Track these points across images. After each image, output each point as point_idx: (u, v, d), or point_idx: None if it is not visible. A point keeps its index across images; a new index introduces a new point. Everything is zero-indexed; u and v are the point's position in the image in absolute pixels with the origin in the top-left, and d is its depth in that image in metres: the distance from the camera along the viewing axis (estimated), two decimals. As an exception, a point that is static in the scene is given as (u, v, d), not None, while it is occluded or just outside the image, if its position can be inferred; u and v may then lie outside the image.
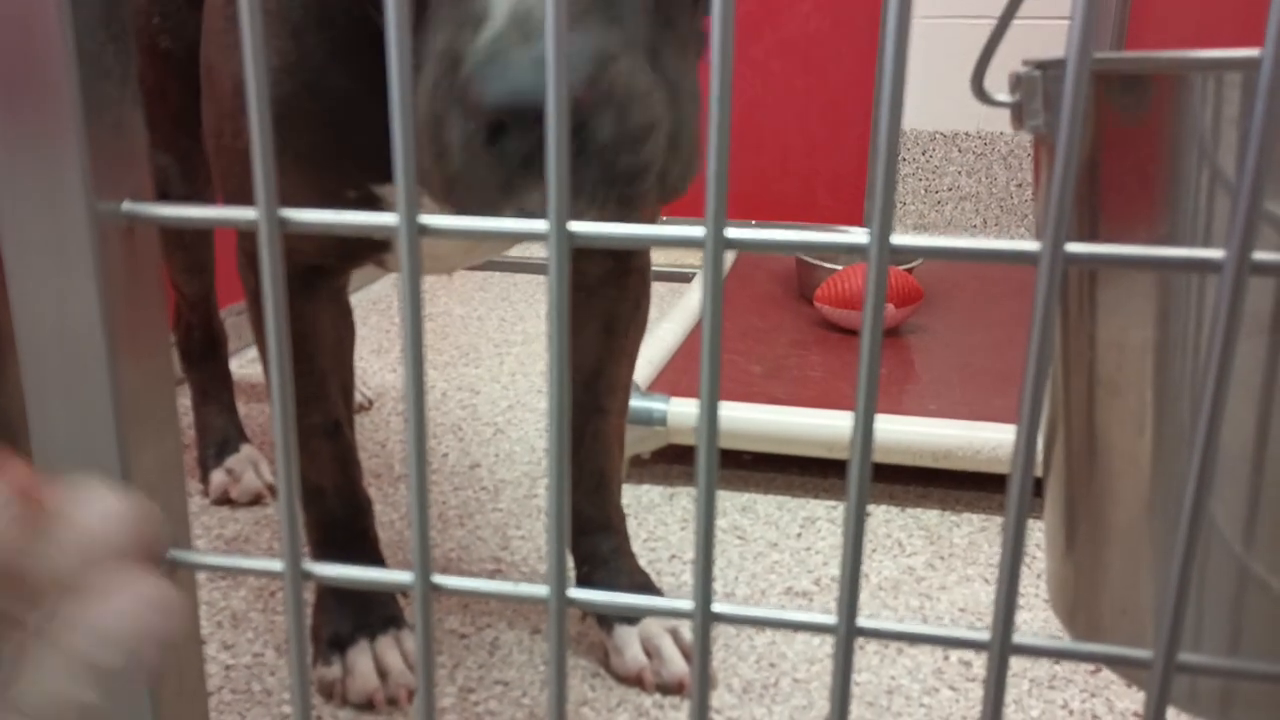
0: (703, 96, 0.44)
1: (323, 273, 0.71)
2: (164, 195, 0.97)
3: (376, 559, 0.80)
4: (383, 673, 0.75)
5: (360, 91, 0.58)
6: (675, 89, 0.40)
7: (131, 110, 0.30)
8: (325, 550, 0.78)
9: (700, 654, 0.29)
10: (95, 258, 0.29)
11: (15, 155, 0.28)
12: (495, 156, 0.36)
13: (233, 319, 1.38)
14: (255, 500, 1.06)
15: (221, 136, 0.65)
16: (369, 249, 0.68)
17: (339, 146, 0.61)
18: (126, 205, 0.30)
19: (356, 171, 0.61)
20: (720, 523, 1.03)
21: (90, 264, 0.29)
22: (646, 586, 0.83)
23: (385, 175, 0.61)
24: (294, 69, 0.59)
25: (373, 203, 0.63)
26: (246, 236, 0.69)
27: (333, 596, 0.79)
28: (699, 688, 0.30)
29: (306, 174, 0.61)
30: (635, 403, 1.09)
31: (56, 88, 0.28)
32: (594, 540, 0.83)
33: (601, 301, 0.78)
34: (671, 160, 0.39)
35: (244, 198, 0.65)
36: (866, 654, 0.82)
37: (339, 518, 0.78)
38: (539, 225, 0.26)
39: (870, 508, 1.08)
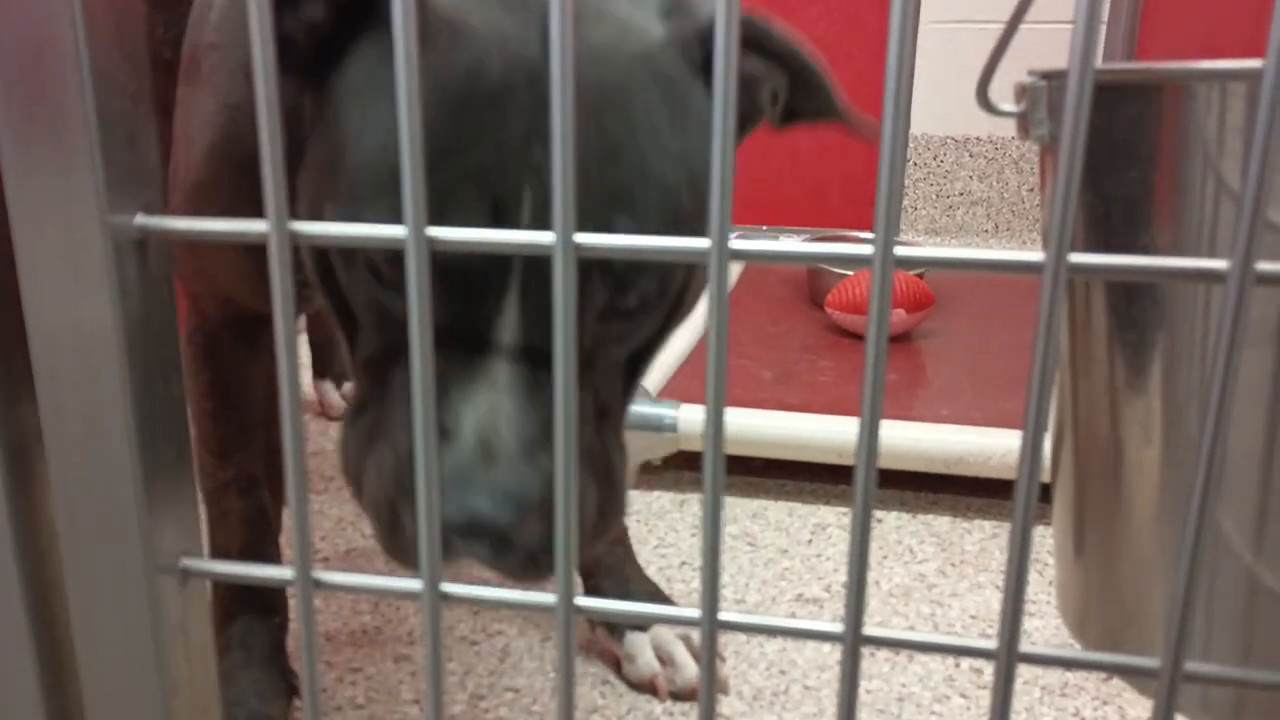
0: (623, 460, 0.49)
1: (263, 324, 0.68)
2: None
3: (280, 641, 0.72)
4: None
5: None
6: (590, 459, 0.45)
7: (145, 125, 0.31)
8: (230, 622, 0.70)
9: (707, 662, 0.29)
10: (109, 271, 0.29)
11: (30, 170, 0.29)
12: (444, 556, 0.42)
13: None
14: (268, 507, 1.07)
15: (178, 173, 0.65)
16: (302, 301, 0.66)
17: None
18: (139, 219, 0.30)
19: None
20: (730, 529, 1.03)
21: (104, 277, 0.29)
22: (655, 595, 0.83)
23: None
24: (247, 119, 0.59)
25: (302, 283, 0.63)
26: (201, 278, 0.66)
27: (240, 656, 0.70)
28: (706, 696, 0.30)
29: (247, 251, 0.61)
30: (646, 409, 1.09)
31: (71, 103, 0.28)
32: (598, 553, 0.83)
33: None
34: (586, 535, 0.47)
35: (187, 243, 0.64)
36: (877, 661, 0.82)
37: (243, 586, 0.71)
38: (545, 238, 0.26)
39: (881, 514, 1.08)
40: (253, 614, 0.71)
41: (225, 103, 0.60)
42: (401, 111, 0.26)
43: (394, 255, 0.42)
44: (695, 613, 0.29)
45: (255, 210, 0.59)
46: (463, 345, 0.42)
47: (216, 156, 0.60)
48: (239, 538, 0.70)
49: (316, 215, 0.45)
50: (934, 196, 2.39)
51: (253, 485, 0.70)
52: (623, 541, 0.84)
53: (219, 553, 0.71)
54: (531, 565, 0.43)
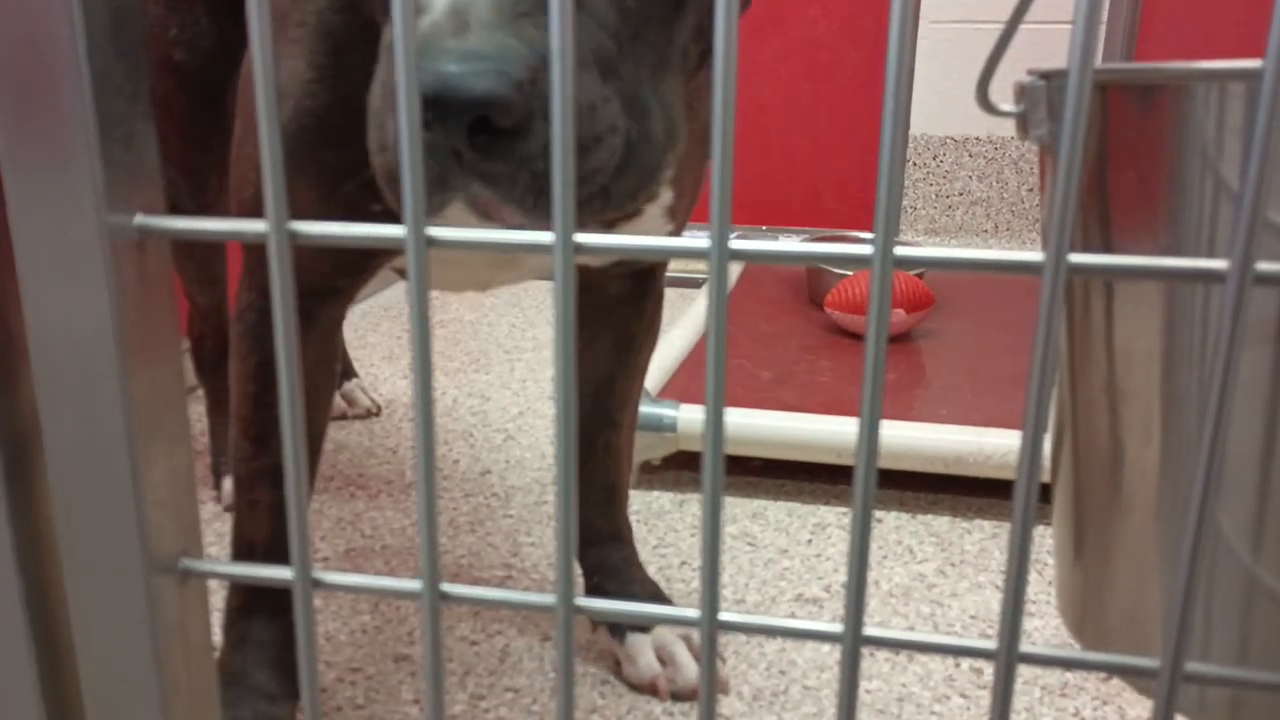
0: (680, 110, 0.44)
1: (323, 300, 0.67)
2: (174, 209, 0.96)
3: (292, 641, 0.71)
4: None
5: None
6: (633, 101, 0.40)
7: (143, 125, 0.30)
8: (246, 617, 0.70)
9: (707, 662, 0.29)
10: (107, 271, 0.29)
11: (28, 169, 0.29)
12: (424, 149, 0.36)
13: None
14: (267, 507, 1.07)
15: (244, 145, 0.65)
16: (381, 258, 0.67)
17: (366, 160, 0.60)
18: (138, 219, 0.30)
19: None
20: (730, 529, 1.03)
21: (102, 277, 0.29)
22: (657, 596, 0.83)
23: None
24: (328, 82, 0.58)
25: (396, 216, 0.62)
26: (256, 248, 0.67)
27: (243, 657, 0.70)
28: (706, 696, 0.30)
29: (331, 187, 0.61)
30: (645, 409, 1.09)
31: (69, 103, 0.28)
32: (603, 551, 0.83)
33: (616, 319, 0.78)
34: (618, 174, 0.40)
35: (257, 207, 0.64)
36: (877, 661, 0.82)
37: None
38: (544, 237, 0.26)
39: (881, 514, 1.08)
40: (267, 613, 0.71)
41: (311, 63, 0.58)
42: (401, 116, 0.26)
43: None
44: (695, 613, 0.29)
45: (342, 173, 0.57)
46: None
47: (302, 120, 0.59)
48: (265, 530, 0.69)
49: None
50: (933, 196, 2.39)
51: (285, 477, 0.69)
52: (626, 541, 0.84)
53: (245, 542, 0.70)
54: (527, 182, 0.37)
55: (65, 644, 0.34)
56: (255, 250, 0.66)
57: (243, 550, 0.70)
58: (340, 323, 0.70)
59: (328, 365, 0.70)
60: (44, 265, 0.29)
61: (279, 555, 0.69)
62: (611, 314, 0.78)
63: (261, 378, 0.67)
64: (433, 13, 0.37)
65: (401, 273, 0.73)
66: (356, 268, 0.66)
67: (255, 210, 0.64)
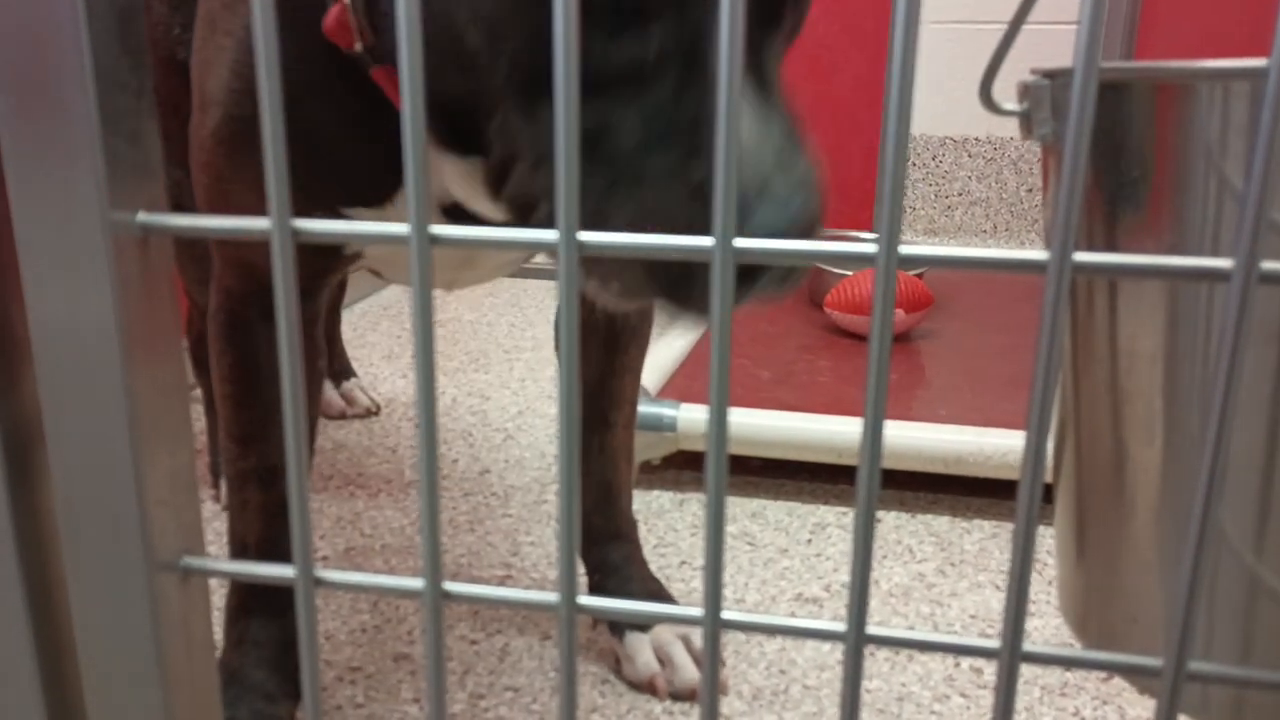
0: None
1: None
2: (178, 208, 0.96)
3: (292, 641, 0.72)
4: None
5: (327, 115, 0.57)
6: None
7: (147, 122, 0.30)
8: (244, 617, 0.70)
9: (710, 661, 0.29)
10: (110, 268, 0.29)
11: (31, 166, 0.29)
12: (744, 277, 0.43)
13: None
14: (267, 506, 1.07)
15: (192, 143, 0.64)
16: (335, 264, 0.66)
17: (305, 168, 0.60)
18: (141, 216, 0.30)
19: (322, 193, 0.60)
20: (730, 529, 1.03)
21: (105, 274, 0.29)
22: (659, 594, 0.83)
23: (351, 198, 0.60)
24: (255, 93, 0.58)
25: (336, 216, 0.62)
26: (225, 243, 0.66)
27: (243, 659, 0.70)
28: (708, 695, 0.30)
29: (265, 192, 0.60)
30: (645, 409, 1.09)
31: (72, 100, 0.28)
32: (604, 549, 0.83)
33: (601, 320, 0.78)
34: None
35: (209, 207, 0.63)
36: (877, 661, 0.82)
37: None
38: (549, 235, 0.26)
39: (880, 514, 1.08)
40: (266, 613, 0.71)
41: (238, 74, 0.59)
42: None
43: None
44: (698, 611, 0.29)
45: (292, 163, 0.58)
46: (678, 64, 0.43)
47: (233, 126, 0.59)
48: (256, 531, 0.69)
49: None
50: (932, 197, 2.39)
51: (274, 477, 0.68)
52: (628, 539, 0.84)
53: (238, 542, 0.70)
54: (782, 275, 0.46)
55: (67, 642, 0.34)
56: (224, 252, 0.66)
57: (237, 550, 0.70)
58: (315, 320, 0.69)
59: (309, 363, 0.69)
60: (47, 262, 0.29)
61: (271, 555, 0.69)
62: (596, 314, 0.78)
63: (237, 379, 0.67)
64: (755, 158, 0.42)
65: (375, 273, 0.73)
66: (312, 268, 0.66)
67: (209, 211, 0.63)
